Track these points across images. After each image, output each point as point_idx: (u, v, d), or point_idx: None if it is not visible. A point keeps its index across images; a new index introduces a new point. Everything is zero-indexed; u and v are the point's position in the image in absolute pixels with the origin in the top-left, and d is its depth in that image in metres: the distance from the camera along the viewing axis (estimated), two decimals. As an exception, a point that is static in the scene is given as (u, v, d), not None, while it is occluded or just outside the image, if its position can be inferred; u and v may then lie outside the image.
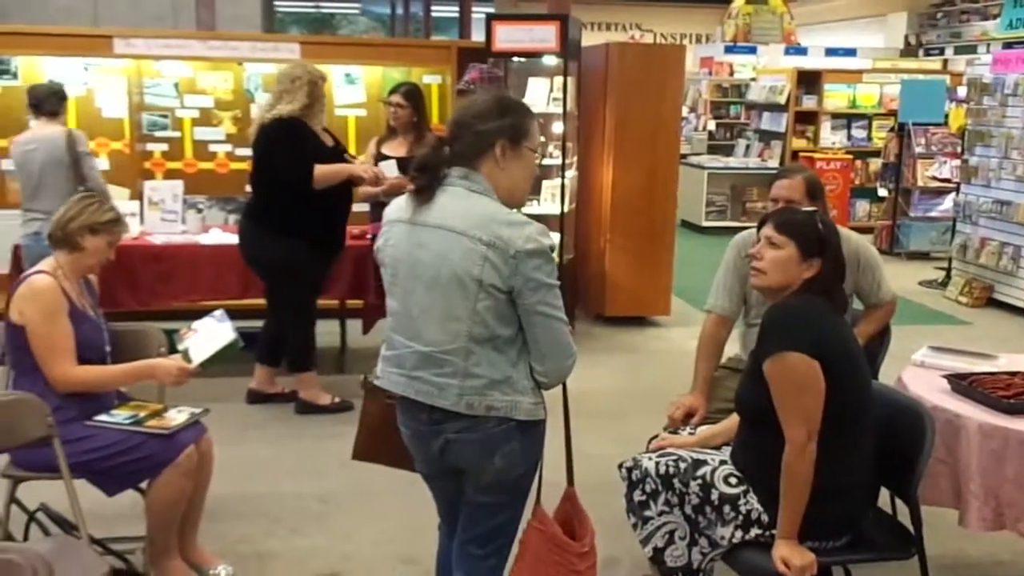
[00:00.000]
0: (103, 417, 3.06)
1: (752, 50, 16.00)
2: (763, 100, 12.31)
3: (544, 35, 5.95)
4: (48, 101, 5.33)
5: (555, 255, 2.20)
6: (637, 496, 2.80)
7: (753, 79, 14.14)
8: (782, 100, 11.74)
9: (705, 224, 10.97)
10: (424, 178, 2.23)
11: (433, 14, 20.80)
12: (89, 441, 2.96)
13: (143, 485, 3.08)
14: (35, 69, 6.50)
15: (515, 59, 6.32)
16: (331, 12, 31.51)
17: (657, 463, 2.77)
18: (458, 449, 2.26)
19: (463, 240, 2.16)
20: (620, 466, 2.89)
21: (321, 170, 4.54)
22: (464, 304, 2.17)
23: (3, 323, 3.09)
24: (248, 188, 4.95)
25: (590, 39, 8.69)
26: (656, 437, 3.05)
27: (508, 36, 6.05)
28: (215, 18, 9.62)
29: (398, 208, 2.32)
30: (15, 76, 6.52)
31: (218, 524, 3.58)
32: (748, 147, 12.49)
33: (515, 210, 2.26)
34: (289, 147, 4.52)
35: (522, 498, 2.38)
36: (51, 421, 2.66)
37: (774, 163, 11.42)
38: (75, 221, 3.13)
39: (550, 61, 6.24)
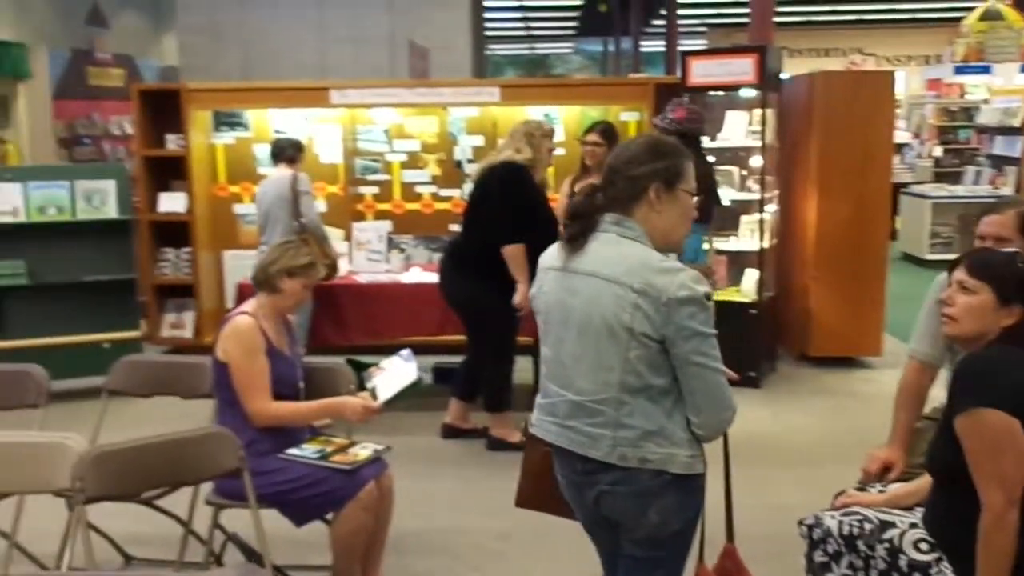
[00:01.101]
0: (294, 451, 3.24)
1: (985, 69, 14.87)
2: (996, 123, 11.41)
3: (741, 68, 5.81)
4: (287, 150, 5.85)
5: (711, 302, 2.12)
6: (818, 557, 2.63)
7: (985, 101, 13.14)
8: (1017, 122, 10.83)
9: (929, 257, 10.25)
10: (576, 225, 2.22)
11: (643, 49, 20.84)
12: (280, 474, 3.14)
13: (329, 516, 3.23)
14: (263, 121, 7.06)
15: (711, 93, 6.20)
16: (545, 53, 32.33)
17: (840, 522, 2.59)
18: (611, 501, 2.21)
19: (614, 287, 2.13)
20: (800, 523, 2.73)
21: (512, 252, 4.64)
22: (615, 353, 2.13)
23: (212, 359, 3.36)
24: (454, 227, 5.18)
25: (805, 66, 8.39)
26: (842, 493, 2.86)
27: (704, 71, 5.95)
28: (427, 66, 10.09)
29: (551, 256, 2.32)
30: (246, 128, 7.12)
31: (402, 558, 3.69)
32: (978, 174, 11.59)
33: (671, 255, 2.20)
34: (512, 188, 4.67)
35: (680, 554, 2.29)
36: (242, 454, 2.84)
37: (1007, 191, 10.52)
38: (274, 265, 3.35)
39: (748, 93, 6.07)
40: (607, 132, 5.47)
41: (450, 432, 5.12)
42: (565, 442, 2.24)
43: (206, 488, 3.28)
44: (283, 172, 5.75)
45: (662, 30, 17.75)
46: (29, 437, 2.74)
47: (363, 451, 3.26)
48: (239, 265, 6.97)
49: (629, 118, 6.82)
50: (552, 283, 2.28)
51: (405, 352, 3.47)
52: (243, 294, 5.62)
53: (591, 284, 2.17)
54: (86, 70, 12.29)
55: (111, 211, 6.01)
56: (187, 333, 7.02)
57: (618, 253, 2.17)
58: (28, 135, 10.98)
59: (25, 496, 3.23)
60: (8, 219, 5.77)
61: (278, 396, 3.26)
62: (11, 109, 10.90)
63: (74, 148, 11.73)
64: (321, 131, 7.03)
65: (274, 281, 3.34)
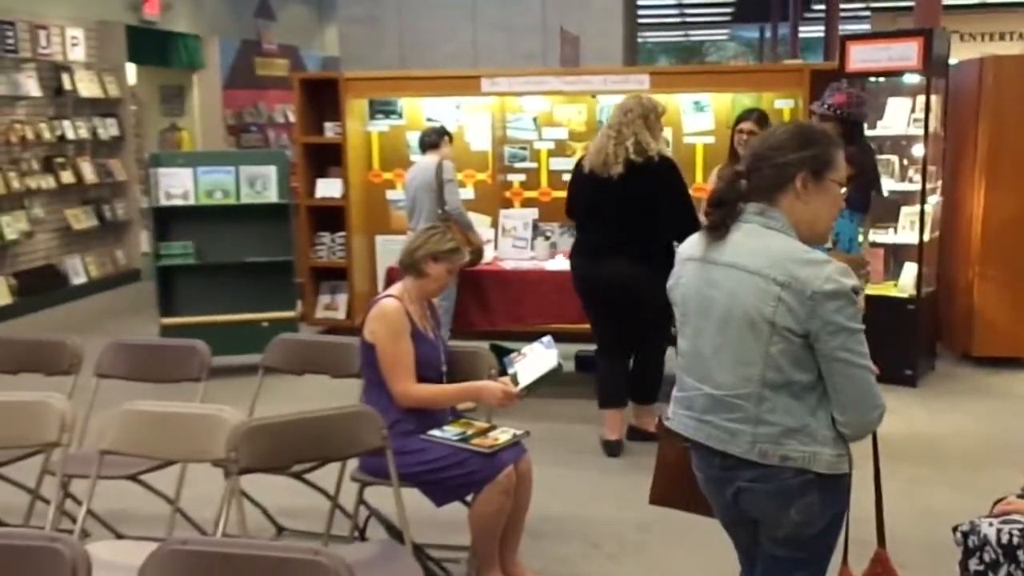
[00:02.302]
0: (436, 432, 3.31)
1: None
2: None
3: (904, 53, 5.52)
4: (429, 137, 6.01)
5: (860, 297, 2.03)
6: (973, 565, 2.50)
7: None
8: None
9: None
10: (718, 214, 2.16)
11: (801, 35, 20.11)
12: (422, 454, 3.21)
13: (469, 498, 3.29)
14: (416, 109, 7.23)
15: (871, 79, 5.92)
16: (699, 40, 31.68)
17: (999, 530, 2.45)
18: (751, 498, 2.15)
19: (756, 280, 2.06)
20: (955, 529, 2.59)
21: None
22: (756, 347, 2.06)
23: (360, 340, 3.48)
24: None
25: (976, 51, 7.89)
26: (1002, 500, 2.69)
27: (864, 56, 5.68)
28: (579, 53, 10.07)
29: (691, 245, 2.27)
30: (400, 116, 7.30)
31: (540, 542, 3.72)
32: None
33: (815, 247, 2.12)
34: (683, 187, 4.62)
35: (823, 556, 2.21)
36: (385, 433, 2.92)
37: None
38: (420, 249, 3.43)
39: (912, 79, 5.76)
40: (761, 120, 5.31)
41: (636, 434, 4.90)
42: (702, 437, 2.20)
43: (352, 464, 3.41)
44: (429, 159, 5.87)
45: (822, 15, 17.08)
46: (190, 408, 2.91)
47: (503, 435, 3.30)
48: (390, 249, 7.16)
49: (783, 105, 6.60)
50: (691, 273, 2.24)
51: (546, 339, 3.49)
52: (391, 278, 5.78)
53: (732, 276, 2.12)
54: (254, 60, 12.90)
55: (272, 196, 6.30)
56: (340, 315, 7.29)
57: (761, 244, 2.10)
58: (200, 122, 11.63)
59: (187, 464, 3.43)
60: (179, 202, 6.14)
61: (421, 378, 3.34)
62: (186, 98, 11.57)
63: (241, 135, 12.35)
64: (472, 119, 7.13)
65: (420, 265, 3.42)
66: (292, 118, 12.87)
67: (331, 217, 7.19)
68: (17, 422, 2.93)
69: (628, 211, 4.57)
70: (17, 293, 8.02)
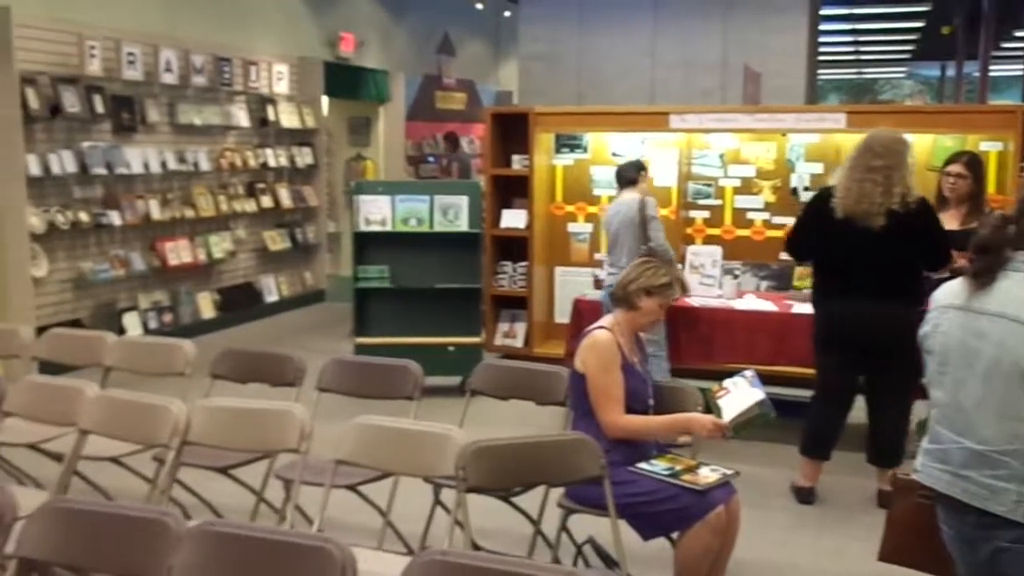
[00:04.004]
0: (644, 465, 3.33)
1: None
2: None
3: None
4: (628, 173, 6.01)
5: None
6: None
7: None
8: None
9: None
10: (984, 261, 2.09)
11: (992, 73, 19.15)
12: (630, 486, 3.23)
13: (675, 535, 3.28)
14: (601, 144, 7.32)
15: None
16: (873, 77, 30.68)
17: None
18: (1012, 560, 2.05)
19: (1025, 331, 1.98)
20: None
21: None
22: (1025, 401, 1.98)
23: (568, 369, 3.54)
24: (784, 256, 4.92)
25: None
26: None
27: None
28: (760, 91, 9.95)
29: (950, 293, 2.20)
30: (585, 150, 7.40)
31: (737, 585, 3.66)
32: None
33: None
34: (940, 224, 4.49)
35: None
36: (603, 462, 2.96)
37: None
38: (634, 283, 3.47)
39: None
40: (972, 163, 5.10)
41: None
42: (958, 492, 2.11)
43: (554, 491, 3.46)
44: (630, 195, 5.87)
45: (1017, 53, 16.22)
46: (420, 426, 3.03)
47: (712, 473, 3.28)
48: (569, 281, 7.27)
49: (990, 148, 6.30)
50: (952, 322, 2.16)
51: (749, 373, 3.45)
52: (578, 310, 5.86)
53: (1001, 326, 2.04)
54: (434, 94, 13.39)
55: (463, 224, 6.51)
56: (517, 343, 7.40)
57: (1031, 294, 2.02)
58: (384, 153, 12.15)
59: (399, 478, 3.57)
60: (378, 228, 6.43)
61: (629, 410, 3.37)
62: (372, 129, 12.12)
63: (420, 166, 12.81)
64: (657, 155, 7.15)
65: (632, 299, 3.46)
66: (467, 148, 13.34)
67: (514, 247, 7.34)
68: (261, 428, 3.13)
69: (891, 255, 4.35)
70: (220, 308, 8.57)
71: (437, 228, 6.48)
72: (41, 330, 5.16)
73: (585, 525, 3.47)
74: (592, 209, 7.33)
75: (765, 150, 6.93)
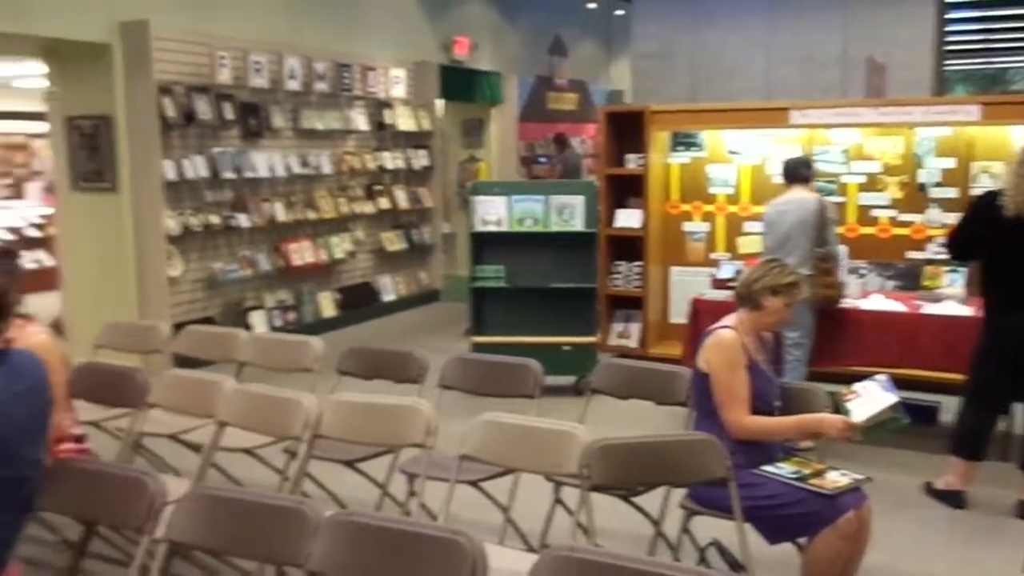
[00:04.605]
0: (769, 468, 3.26)
1: None
2: None
3: None
4: (799, 170, 5.66)
5: None
6: None
7: None
8: None
9: None
10: None
11: None
12: (756, 489, 3.18)
13: (801, 540, 3.21)
14: (717, 142, 7.21)
15: None
16: (1003, 67, 29.24)
17: None
18: None
19: None
20: None
21: None
22: None
23: (690, 369, 3.51)
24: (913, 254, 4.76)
25: None
26: None
27: None
28: (884, 83, 9.63)
29: None
30: (701, 148, 7.32)
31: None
32: None
33: None
34: None
35: None
36: (729, 464, 2.92)
37: None
38: (759, 282, 3.41)
39: None
40: None
41: None
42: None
43: (676, 492, 3.43)
44: (803, 194, 5.54)
45: None
46: (545, 423, 3.05)
47: (842, 478, 3.20)
48: (685, 281, 7.20)
49: None
50: None
51: (882, 377, 3.35)
52: (696, 310, 5.79)
53: None
54: (546, 95, 13.43)
55: (578, 224, 6.52)
56: (632, 343, 7.36)
57: None
58: (496, 154, 12.27)
59: (519, 475, 3.60)
60: (494, 228, 6.49)
61: (754, 411, 3.31)
62: (485, 131, 12.25)
63: (531, 166, 12.87)
64: (776, 152, 7.00)
65: (757, 298, 3.40)
66: (579, 148, 13.33)
67: (628, 246, 7.30)
68: (388, 423, 3.21)
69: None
70: (340, 307, 8.82)
71: (552, 228, 6.51)
72: (177, 327, 5.41)
73: (706, 527, 3.43)
74: (708, 208, 7.23)
75: (891, 145, 6.71)
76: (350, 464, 3.85)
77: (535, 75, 13.10)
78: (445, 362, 4.03)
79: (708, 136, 7.27)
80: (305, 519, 2.26)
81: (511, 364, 3.95)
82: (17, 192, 14.63)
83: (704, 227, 7.28)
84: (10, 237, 11.40)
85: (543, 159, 13.12)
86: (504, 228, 6.51)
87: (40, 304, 8.12)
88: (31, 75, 8.58)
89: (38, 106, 8.56)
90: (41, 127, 8.89)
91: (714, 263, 6.88)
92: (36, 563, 3.51)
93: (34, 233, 11.67)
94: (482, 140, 12.33)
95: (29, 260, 11.14)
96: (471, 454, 3.04)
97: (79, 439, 3.61)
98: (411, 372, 4.07)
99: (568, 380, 6.28)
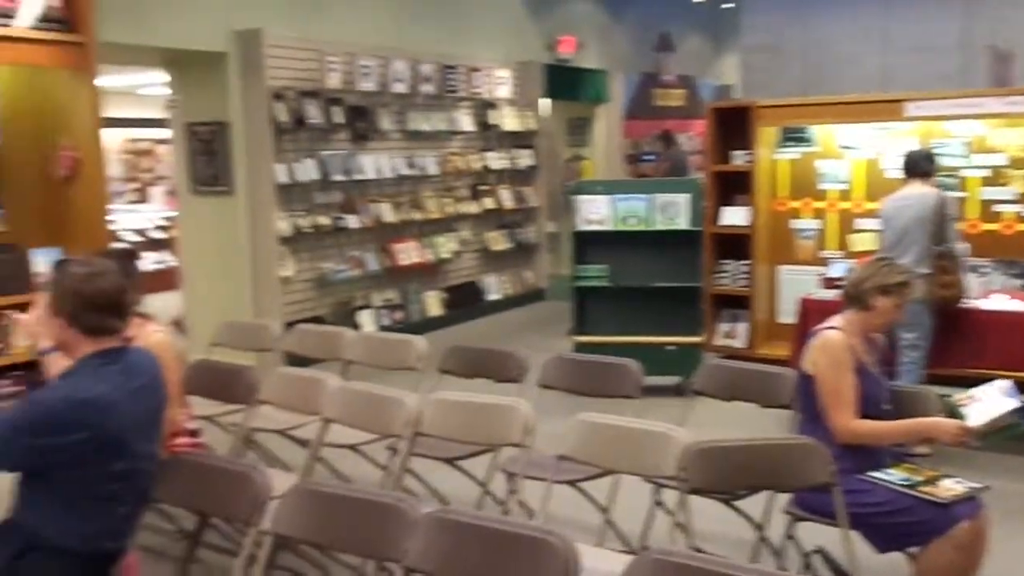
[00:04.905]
0: (877, 474, 3.16)
1: None
2: None
3: None
4: (920, 164, 5.46)
5: None
6: None
7: None
8: None
9: None
10: None
11: None
12: (863, 495, 3.07)
13: (913, 550, 3.09)
14: (828, 136, 7.00)
15: None
16: None
17: None
18: None
19: None
20: None
21: None
22: None
23: (795, 371, 3.42)
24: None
25: None
26: None
27: None
28: (1010, 72, 9.18)
29: None
30: (810, 143, 7.12)
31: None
32: None
33: None
34: None
35: None
36: (833, 469, 2.84)
37: None
38: (868, 282, 3.30)
39: None
40: None
41: None
42: None
43: (780, 497, 3.35)
44: (923, 189, 5.32)
45: None
46: (642, 424, 3.03)
47: (956, 486, 3.06)
48: (793, 279, 7.02)
49: None
50: None
51: (1003, 383, 3.20)
52: (806, 309, 5.64)
53: None
54: (652, 92, 13.30)
55: (682, 223, 6.44)
56: (739, 343, 7.22)
57: None
58: (601, 152, 12.22)
59: (619, 476, 3.58)
60: (597, 227, 6.47)
61: (862, 415, 3.21)
62: (590, 129, 12.22)
63: (637, 164, 12.76)
64: (890, 145, 6.76)
65: (866, 298, 3.30)
66: (686, 145, 13.14)
67: (735, 245, 7.16)
68: (487, 422, 3.24)
69: None
70: (446, 306, 8.95)
71: (656, 226, 6.44)
72: (288, 326, 5.58)
73: (813, 534, 3.34)
74: (818, 204, 7.03)
75: (1018, 136, 6.39)
76: (451, 462, 3.90)
77: (641, 72, 12.99)
78: (545, 362, 4.04)
79: (819, 130, 7.06)
80: (402, 515, 2.30)
81: (610, 364, 3.94)
82: (143, 196, 15.37)
83: (814, 224, 7.08)
84: (136, 239, 11.98)
85: (649, 156, 12.98)
86: (607, 227, 6.48)
87: (163, 303, 8.52)
88: (155, 84, 8.99)
89: (161, 113, 8.98)
90: (164, 133, 9.31)
91: (824, 261, 6.69)
92: (155, 552, 3.68)
93: (158, 235, 12.23)
94: (587, 138, 12.30)
95: (153, 261, 11.69)
96: (568, 454, 3.04)
97: (193, 433, 3.77)
98: (511, 371, 4.10)
99: (672, 381, 6.21)
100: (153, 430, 2.74)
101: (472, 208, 9.29)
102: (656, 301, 6.45)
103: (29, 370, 4.29)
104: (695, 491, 2.77)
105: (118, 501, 2.63)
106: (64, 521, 2.56)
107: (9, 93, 4.72)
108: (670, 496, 3.14)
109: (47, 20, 4.54)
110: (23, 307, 3.85)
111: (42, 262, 4.51)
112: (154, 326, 3.56)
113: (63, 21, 4.61)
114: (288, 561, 3.46)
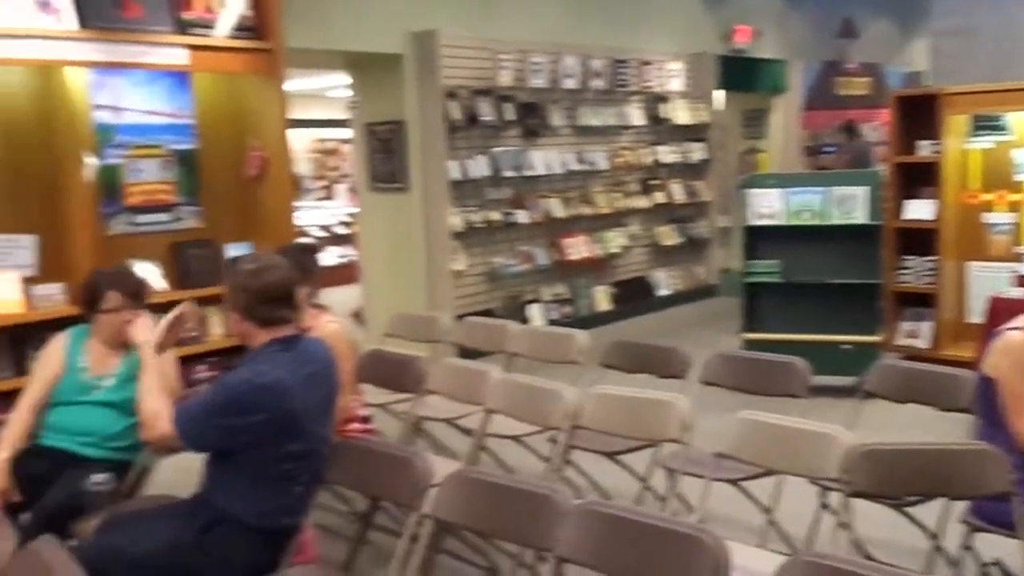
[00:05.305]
0: (1067, 484, 2.94)
1: None
2: None
3: None
4: None
5: None
6: None
7: None
8: None
9: None
10: None
11: None
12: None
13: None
14: (1024, 123, 6.55)
15: None
16: None
17: None
18: None
19: None
20: None
21: None
22: None
23: (976, 373, 3.23)
24: None
25: None
26: None
27: None
28: None
29: None
30: (1007, 131, 6.67)
31: None
32: None
33: None
34: None
35: None
36: (1013, 478, 2.67)
37: None
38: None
39: None
40: None
41: None
42: None
43: (957, 505, 3.18)
44: None
45: None
46: (804, 424, 2.95)
47: None
48: (985, 277, 6.62)
49: None
50: None
51: None
52: (995, 309, 5.31)
53: None
54: (834, 80, 12.77)
55: (860, 217, 6.18)
56: (922, 343, 6.86)
57: None
58: (778, 144, 11.86)
59: (784, 477, 3.50)
60: (768, 221, 6.31)
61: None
62: (766, 121, 11.89)
63: (816, 156, 12.30)
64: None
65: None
66: (871, 136, 12.54)
67: (919, 240, 6.81)
68: (644, 417, 3.24)
69: None
70: (615, 300, 8.95)
71: (832, 221, 6.21)
72: (460, 318, 5.76)
73: (992, 545, 3.16)
74: (1014, 197, 6.58)
75: None
76: (612, 456, 3.92)
77: (822, 60, 12.50)
78: (708, 358, 3.99)
79: (1015, 118, 6.61)
80: (554, 505, 2.35)
81: (776, 362, 3.85)
82: (329, 193, 16.18)
83: (1009, 218, 6.64)
84: (322, 234, 12.63)
85: (829, 148, 12.49)
86: (779, 221, 6.31)
87: (345, 296, 8.96)
88: (341, 86, 9.46)
89: (344, 114, 9.43)
90: (348, 133, 9.77)
91: (1019, 258, 6.26)
92: (331, 531, 3.90)
93: (342, 231, 12.85)
94: (763, 131, 11.97)
95: (337, 255, 12.30)
96: (727, 452, 3.00)
97: (365, 420, 3.97)
98: (674, 367, 4.07)
99: (846, 381, 5.97)
100: (325, 414, 2.91)
101: (642, 203, 9.24)
102: (830, 298, 6.23)
103: (225, 356, 4.63)
104: (858, 494, 2.68)
105: (294, 481, 2.82)
106: (247, 499, 2.76)
107: (207, 99, 5.09)
108: (837, 500, 3.04)
109: (240, 29, 4.87)
110: (217, 299, 4.18)
111: (235, 256, 4.86)
112: (329, 317, 3.77)
113: (254, 29, 4.93)
114: (452, 546, 3.59)
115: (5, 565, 2.34)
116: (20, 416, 3.37)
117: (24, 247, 4.34)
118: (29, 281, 4.31)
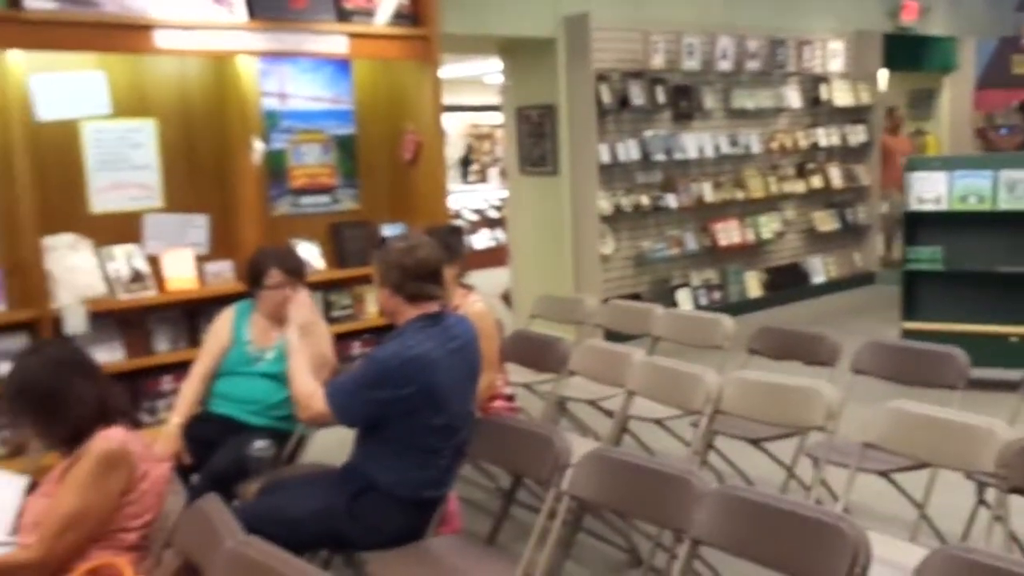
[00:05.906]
0: None
1: None
2: None
3: None
4: None
5: None
6: None
7: None
8: None
9: None
10: None
11: None
12: None
13: None
14: None
15: None
16: None
17: None
18: None
19: None
20: None
21: None
22: None
23: None
24: None
25: None
26: None
27: None
28: None
29: None
30: None
31: None
32: None
33: None
34: None
35: None
36: None
37: None
38: None
39: None
40: None
41: None
42: None
43: None
44: None
45: None
46: (959, 416, 2.83)
47: None
48: None
49: None
50: None
51: None
52: None
53: None
54: (1011, 58, 11.99)
55: (1035, 202, 5.79)
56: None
57: None
58: (947, 126, 11.26)
59: (937, 470, 3.36)
60: (931, 207, 6.02)
61: None
62: (935, 101, 11.30)
63: (989, 137, 11.59)
64: None
65: None
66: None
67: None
68: (788, 404, 3.19)
69: None
70: (767, 287, 8.75)
71: (1001, 206, 5.85)
72: (607, 301, 5.78)
73: None
74: None
75: None
76: (755, 443, 3.87)
77: (999, 37, 11.75)
78: (859, 346, 3.87)
79: None
80: (690, 488, 2.36)
81: (931, 352, 3.69)
82: (483, 177, 16.46)
83: None
84: (474, 217, 12.88)
85: (1004, 129, 11.75)
86: (943, 207, 6.00)
87: (494, 278, 9.12)
88: (496, 71, 9.60)
89: (497, 99, 9.57)
90: (500, 118, 9.92)
91: None
92: (475, 504, 4.02)
93: (493, 214, 13.06)
94: (931, 111, 11.38)
95: (488, 238, 12.52)
96: (874, 442, 2.92)
97: (510, 399, 4.06)
98: (822, 354, 3.97)
99: (1014, 375, 5.64)
100: (468, 390, 3.01)
101: (798, 187, 8.98)
102: (998, 288, 5.89)
103: (378, 334, 4.83)
104: (1015, 490, 2.55)
105: (438, 454, 2.93)
106: (395, 470, 2.89)
107: (365, 85, 5.30)
108: (994, 495, 2.90)
109: (399, 16, 5.04)
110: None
111: (384, 236, 5.06)
112: (475, 297, 3.88)
113: (411, 17, 5.09)
114: (593, 527, 3.64)
115: (176, 520, 2.55)
116: (192, 384, 3.63)
117: (198, 226, 4.66)
118: (201, 259, 4.63)
